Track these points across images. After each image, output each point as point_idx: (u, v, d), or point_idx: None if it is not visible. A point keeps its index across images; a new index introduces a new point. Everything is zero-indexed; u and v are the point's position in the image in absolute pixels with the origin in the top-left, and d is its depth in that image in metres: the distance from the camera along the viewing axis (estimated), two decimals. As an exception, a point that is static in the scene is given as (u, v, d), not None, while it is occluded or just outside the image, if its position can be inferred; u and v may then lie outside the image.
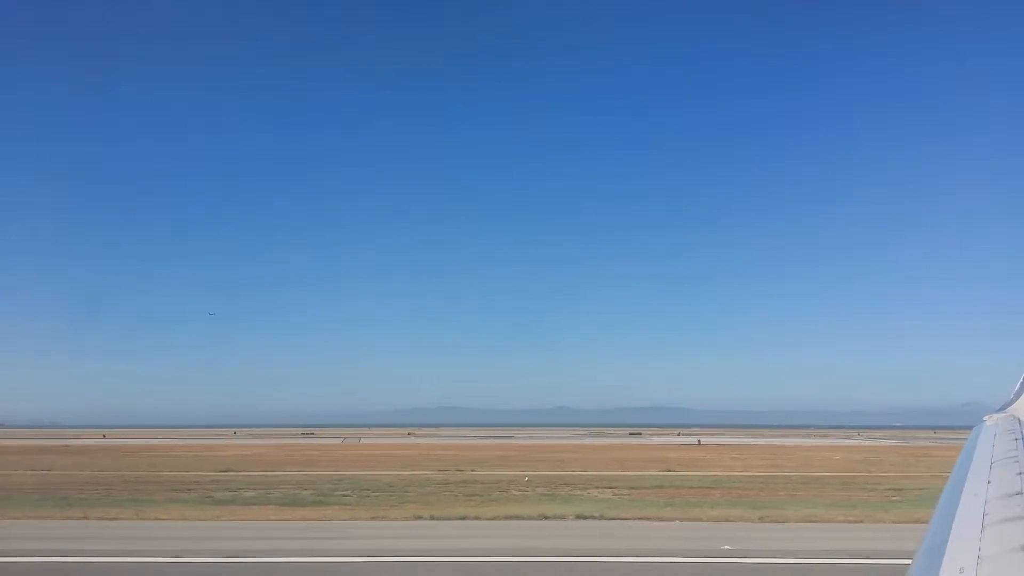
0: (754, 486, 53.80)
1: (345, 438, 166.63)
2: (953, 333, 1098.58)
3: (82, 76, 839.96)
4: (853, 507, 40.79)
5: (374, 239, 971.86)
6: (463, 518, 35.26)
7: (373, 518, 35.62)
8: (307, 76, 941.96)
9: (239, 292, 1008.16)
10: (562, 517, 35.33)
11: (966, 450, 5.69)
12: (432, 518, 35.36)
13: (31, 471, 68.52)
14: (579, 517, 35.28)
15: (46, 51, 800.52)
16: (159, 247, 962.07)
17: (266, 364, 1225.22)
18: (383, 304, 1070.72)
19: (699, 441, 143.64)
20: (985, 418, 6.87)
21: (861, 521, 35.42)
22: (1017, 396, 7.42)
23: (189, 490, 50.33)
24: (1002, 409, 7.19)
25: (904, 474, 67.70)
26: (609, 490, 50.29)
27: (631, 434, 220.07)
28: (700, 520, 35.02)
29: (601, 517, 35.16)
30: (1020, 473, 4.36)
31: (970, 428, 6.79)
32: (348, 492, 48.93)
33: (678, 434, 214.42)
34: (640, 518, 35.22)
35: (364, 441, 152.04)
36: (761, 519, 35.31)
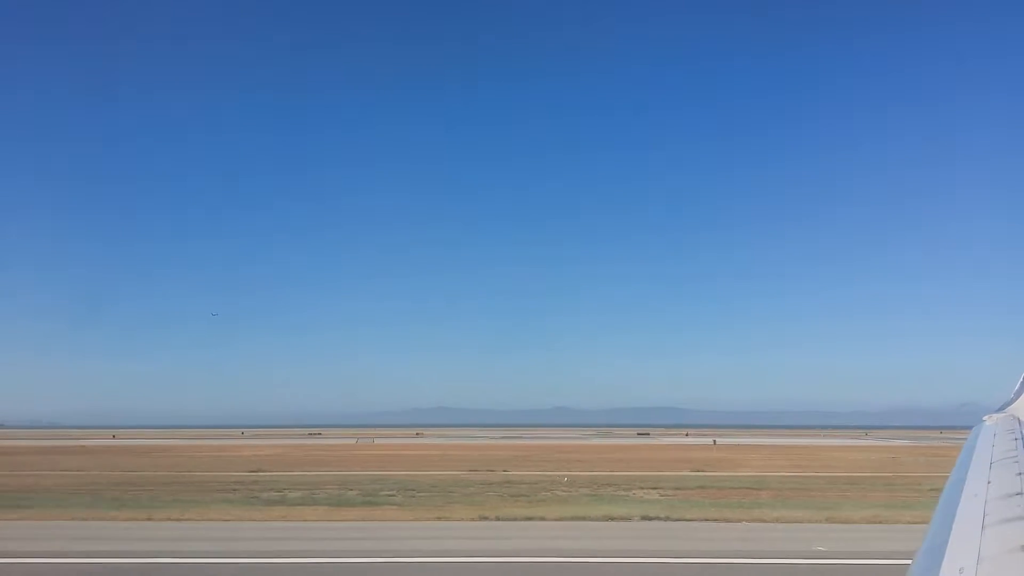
0: (798, 487, 53.55)
1: (359, 438, 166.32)
2: (952, 333, 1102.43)
3: (82, 76, 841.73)
4: (909, 507, 40.54)
5: (374, 239, 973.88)
6: (529, 519, 34.99)
7: (438, 519, 35.33)
8: (307, 76, 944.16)
9: (238, 292, 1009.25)
10: (628, 518, 35.06)
11: (966, 450, 5.73)
12: (497, 519, 35.09)
13: (62, 472, 68.20)
14: (644, 518, 35.00)
15: (46, 51, 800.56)
16: (159, 247, 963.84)
17: (265, 364, 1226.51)
18: (383, 304, 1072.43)
19: (714, 442, 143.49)
20: (985, 418, 6.90)
21: (927, 522, 35.12)
22: (1017, 396, 7.46)
23: (233, 491, 49.96)
24: (1002, 409, 7.23)
25: (937, 474, 67.49)
26: (654, 491, 49.99)
27: (639, 434, 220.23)
28: (765, 521, 34.74)
29: (667, 518, 34.87)
30: (1020, 473, 4.38)
31: (969, 428, 6.80)
32: (393, 492, 48.60)
33: (686, 434, 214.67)
34: (706, 519, 34.91)
35: (377, 441, 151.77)
36: (828, 520, 35.07)
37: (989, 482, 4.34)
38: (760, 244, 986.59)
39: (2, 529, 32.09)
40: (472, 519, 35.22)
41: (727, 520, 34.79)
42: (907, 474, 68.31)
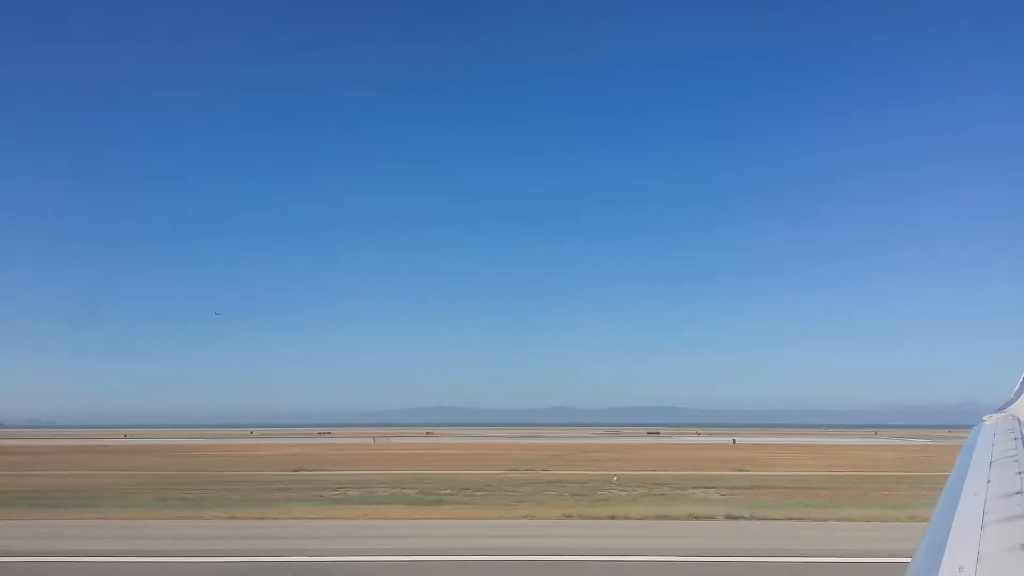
0: (850, 486, 53.59)
1: (375, 437, 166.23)
2: (952, 332, 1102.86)
3: (82, 76, 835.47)
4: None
5: (374, 239, 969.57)
6: (612, 517, 34.97)
7: (524, 517, 35.30)
8: (307, 76, 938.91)
9: (238, 292, 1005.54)
10: (711, 517, 35.04)
11: (966, 449, 5.75)
12: (581, 517, 35.08)
13: (111, 471, 68.12)
14: (729, 517, 34.99)
15: (46, 51, 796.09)
16: (159, 247, 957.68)
17: (265, 364, 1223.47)
18: (383, 303, 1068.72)
19: (734, 440, 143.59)
20: (985, 417, 6.95)
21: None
22: (1017, 396, 7.52)
23: (289, 489, 49.92)
24: (1002, 409, 7.27)
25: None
26: (711, 490, 49.97)
27: (649, 433, 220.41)
28: (850, 520, 34.75)
29: (751, 517, 34.86)
30: (1020, 472, 4.42)
31: (969, 427, 6.81)
32: (452, 491, 48.55)
33: (698, 433, 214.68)
34: (790, 518, 34.92)
35: (394, 440, 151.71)
36: (911, 519, 35.04)
37: (989, 481, 4.36)
38: (760, 243, 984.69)
39: (125, 528, 31.97)
40: (557, 517, 35.19)
41: (811, 519, 34.74)
42: (947, 473, 68.36)
